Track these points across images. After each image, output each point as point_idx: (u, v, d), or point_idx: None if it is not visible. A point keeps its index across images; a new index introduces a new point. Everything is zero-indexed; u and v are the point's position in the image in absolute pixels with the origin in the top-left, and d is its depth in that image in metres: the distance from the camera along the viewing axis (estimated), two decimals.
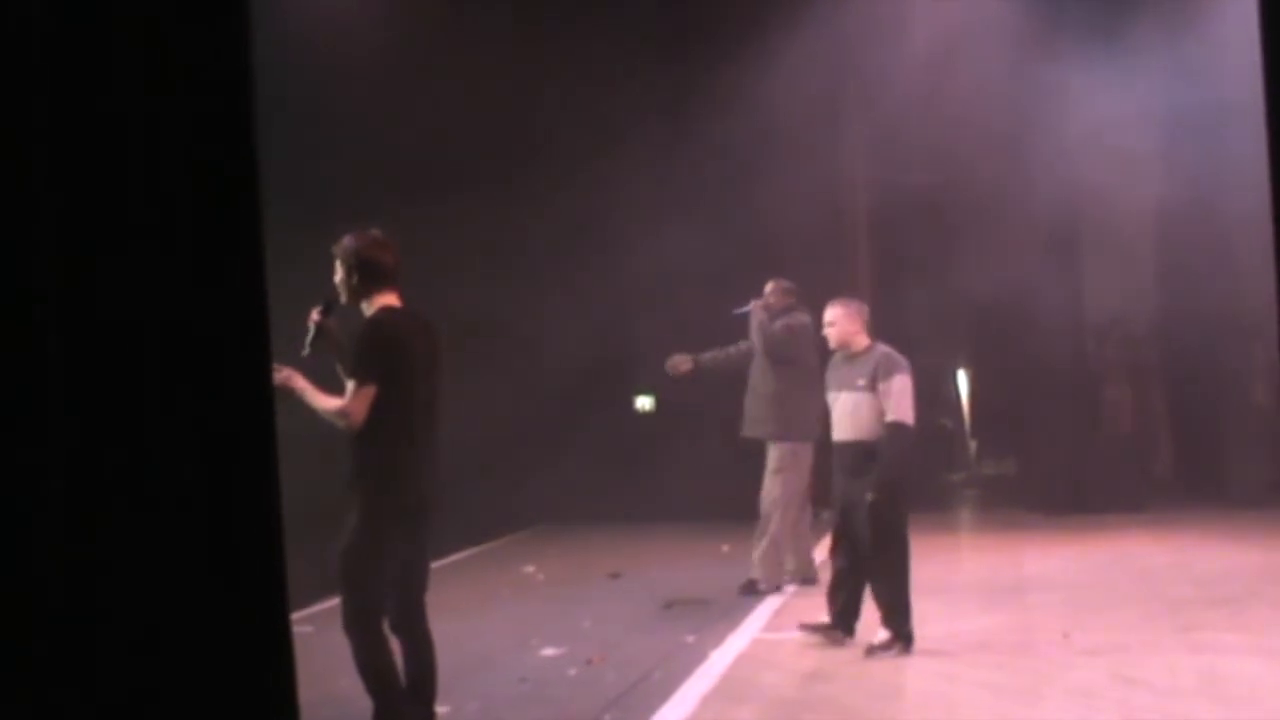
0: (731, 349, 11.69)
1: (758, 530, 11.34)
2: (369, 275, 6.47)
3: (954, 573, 12.21)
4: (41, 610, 3.31)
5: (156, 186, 3.45)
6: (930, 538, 14.46)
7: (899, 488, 8.84)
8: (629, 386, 17.34)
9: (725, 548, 14.02)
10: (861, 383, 8.86)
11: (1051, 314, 16.49)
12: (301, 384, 6.37)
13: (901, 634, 8.80)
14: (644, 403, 17.56)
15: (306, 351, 6.53)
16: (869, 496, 8.71)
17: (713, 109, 15.53)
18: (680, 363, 11.80)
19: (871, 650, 8.73)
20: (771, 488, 11.23)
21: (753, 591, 11.16)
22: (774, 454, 11.24)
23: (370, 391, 6.29)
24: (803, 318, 11.10)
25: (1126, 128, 15.29)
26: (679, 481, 15.83)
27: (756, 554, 11.29)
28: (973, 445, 20.59)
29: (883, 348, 9.02)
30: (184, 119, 3.47)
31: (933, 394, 19.49)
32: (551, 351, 15.94)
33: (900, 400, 8.81)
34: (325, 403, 6.36)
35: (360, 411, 6.28)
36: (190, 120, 3.46)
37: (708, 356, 11.81)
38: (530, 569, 13.24)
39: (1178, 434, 17.37)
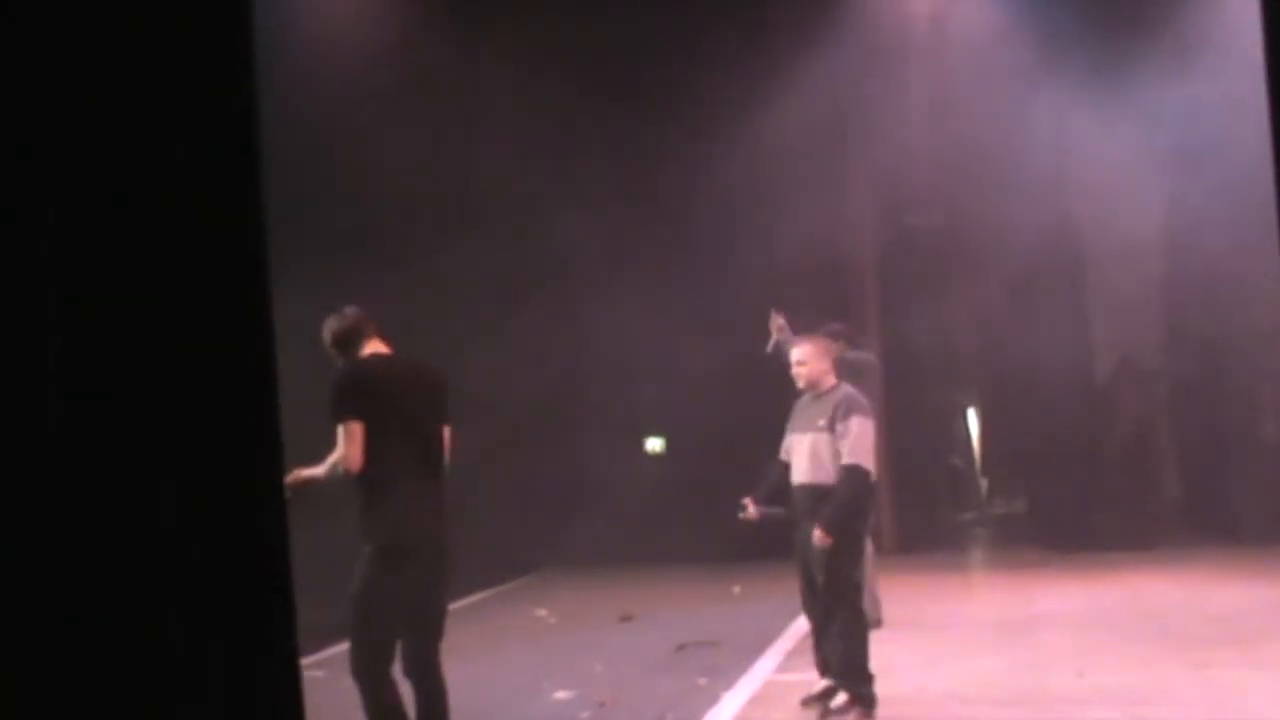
0: None
1: None
2: (343, 347, 6.72)
3: (966, 611, 12.18)
4: (39, 650, 3.31)
5: (162, 227, 3.47)
6: (941, 576, 14.47)
7: (854, 537, 8.28)
8: (640, 429, 17.37)
9: (736, 589, 14.01)
10: (822, 423, 8.27)
11: (1060, 353, 16.51)
12: (308, 472, 6.42)
13: (859, 696, 8.19)
14: (654, 445, 17.58)
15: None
16: (815, 538, 8.03)
17: (718, 152, 15.60)
18: (781, 326, 10.14)
19: (826, 716, 8.23)
20: None
21: None
22: None
23: (357, 429, 6.35)
24: (869, 356, 10.79)
25: (1133, 167, 15.34)
26: (690, 523, 15.84)
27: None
28: (983, 484, 20.58)
29: (847, 389, 8.42)
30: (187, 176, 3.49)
31: (943, 433, 19.54)
32: (562, 394, 15.97)
33: (858, 443, 8.14)
34: (324, 466, 6.41)
35: (354, 451, 6.33)
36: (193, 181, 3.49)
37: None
38: (542, 612, 13.22)
39: (1187, 472, 17.34)
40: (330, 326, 6.78)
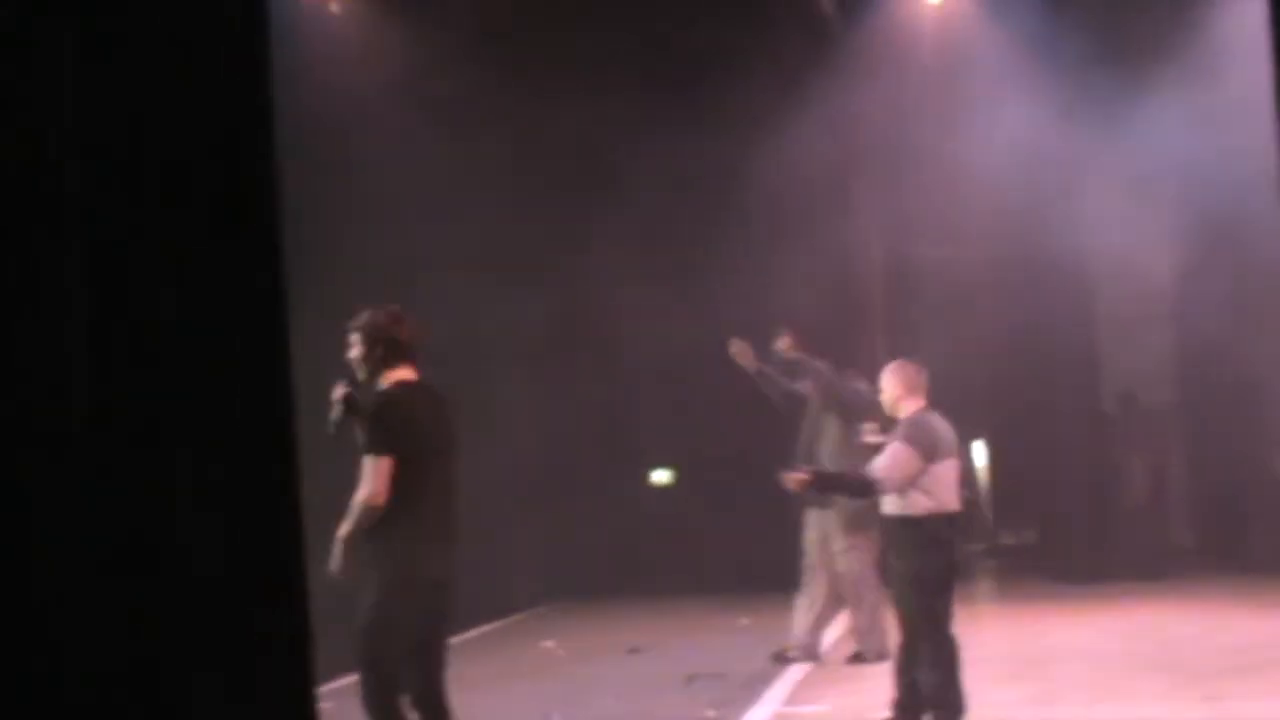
0: (793, 385, 11.06)
1: (851, 601, 11.12)
2: (389, 350, 6.49)
3: (976, 644, 12.03)
4: (57, 679, 3.29)
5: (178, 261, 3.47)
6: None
7: (927, 574, 8.07)
8: (646, 460, 17.36)
9: (744, 620, 13.96)
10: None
11: (1070, 383, 16.49)
12: (344, 531, 6.37)
13: None
14: (661, 476, 17.56)
15: (332, 430, 6.51)
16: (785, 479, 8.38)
17: (724, 183, 15.59)
18: (744, 352, 10.87)
19: None
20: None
21: (861, 661, 10.96)
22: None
23: (387, 464, 6.28)
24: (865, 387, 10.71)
25: (1142, 197, 15.32)
26: (697, 555, 15.82)
27: (861, 624, 11.08)
28: (991, 515, 20.50)
29: (915, 417, 8.24)
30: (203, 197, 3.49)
31: None
32: (569, 426, 15.94)
33: (885, 460, 8.05)
34: (352, 515, 6.35)
35: (381, 487, 6.27)
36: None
37: (770, 368, 11.04)
38: (550, 644, 13.18)
39: (1198, 502, 17.29)
40: (382, 324, 6.48)
